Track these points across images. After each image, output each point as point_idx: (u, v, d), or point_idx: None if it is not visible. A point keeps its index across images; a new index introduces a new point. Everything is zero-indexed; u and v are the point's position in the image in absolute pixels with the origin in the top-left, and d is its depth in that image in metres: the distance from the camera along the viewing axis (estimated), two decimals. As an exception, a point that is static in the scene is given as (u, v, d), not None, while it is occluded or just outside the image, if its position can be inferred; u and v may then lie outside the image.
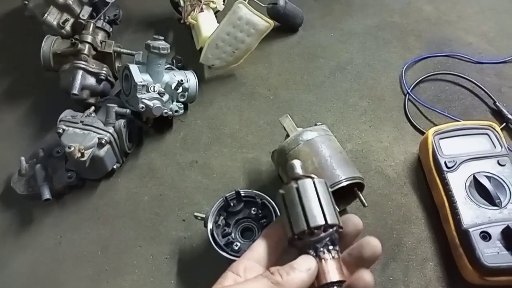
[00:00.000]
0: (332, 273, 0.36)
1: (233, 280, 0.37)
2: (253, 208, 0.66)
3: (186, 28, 0.95)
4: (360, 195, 0.64)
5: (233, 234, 0.64)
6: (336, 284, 0.36)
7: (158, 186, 0.78)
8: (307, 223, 0.36)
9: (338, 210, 0.41)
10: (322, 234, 0.36)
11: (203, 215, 0.66)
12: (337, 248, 0.37)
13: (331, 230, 0.37)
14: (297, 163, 0.40)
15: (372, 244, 0.37)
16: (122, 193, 0.78)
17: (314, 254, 0.36)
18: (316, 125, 0.70)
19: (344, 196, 0.66)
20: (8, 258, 0.73)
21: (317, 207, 0.37)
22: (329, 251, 0.36)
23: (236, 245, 0.61)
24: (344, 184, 0.60)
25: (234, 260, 0.39)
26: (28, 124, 0.89)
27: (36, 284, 0.70)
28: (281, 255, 0.39)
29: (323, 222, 0.36)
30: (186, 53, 0.93)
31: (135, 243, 0.72)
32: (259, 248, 0.39)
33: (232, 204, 0.66)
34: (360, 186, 0.64)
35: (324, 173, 0.61)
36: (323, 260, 0.36)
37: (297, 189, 0.38)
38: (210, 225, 0.63)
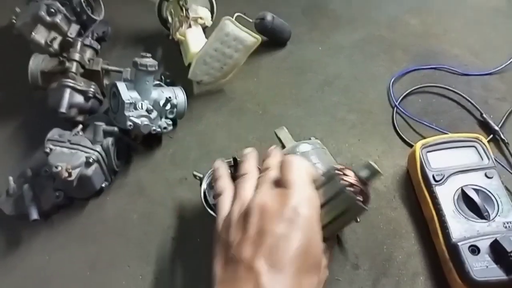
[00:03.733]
0: None
1: None
2: None
3: (175, 44, 0.96)
4: None
5: None
6: None
7: (147, 204, 0.77)
8: None
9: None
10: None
11: (201, 175, 0.71)
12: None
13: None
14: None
15: None
16: (111, 211, 0.77)
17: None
18: (310, 139, 0.71)
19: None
20: (-5, 280, 0.72)
21: None
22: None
23: None
24: None
25: None
26: (16, 143, 0.88)
27: (23, 306, 0.69)
28: None
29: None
30: (175, 69, 0.93)
31: (124, 263, 0.71)
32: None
33: (229, 171, 0.67)
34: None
35: None
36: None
37: None
38: (204, 186, 0.68)
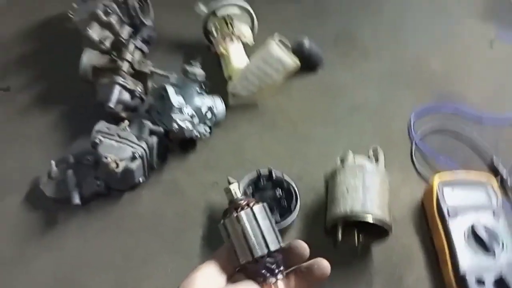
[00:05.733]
0: None
1: (202, 284, 0.38)
2: (279, 190, 0.74)
3: (213, 56, 1.01)
4: (358, 241, 0.72)
5: None
6: None
7: (181, 203, 0.83)
8: (251, 253, 0.38)
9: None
10: (267, 260, 0.38)
11: (235, 181, 0.72)
12: (282, 268, 0.39)
13: (274, 254, 0.39)
14: (234, 187, 0.41)
15: (323, 265, 0.39)
16: (146, 206, 0.83)
17: (262, 280, 0.38)
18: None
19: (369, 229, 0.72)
20: (33, 258, 0.76)
21: (259, 236, 0.38)
22: (274, 274, 0.39)
23: None
24: (370, 221, 0.68)
25: None
26: (57, 130, 0.93)
27: (58, 285, 0.74)
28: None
29: (265, 251, 0.38)
30: (211, 78, 0.98)
31: (156, 256, 0.77)
32: (208, 270, 0.39)
33: (262, 181, 0.72)
34: (383, 232, 0.71)
35: (359, 198, 0.69)
36: (276, 281, 0.38)
37: (238, 219, 0.38)
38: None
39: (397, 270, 0.74)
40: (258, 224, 0.39)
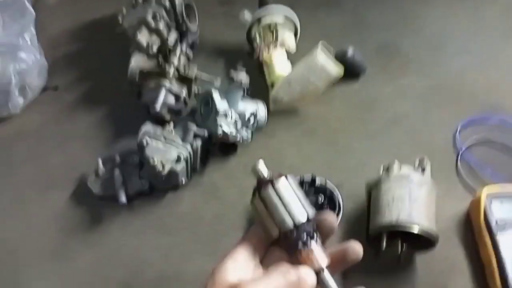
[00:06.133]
0: (321, 259, 0.38)
1: (236, 269, 0.37)
2: (321, 196, 0.75)
3: (254, 62, 1.03)
4: (401, 251, 0.71)
5: None
6: (325, 268, 0.38)
7: (220, 205, 0.84)
8: (293, 221, 0.38)
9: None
10: (306, 227, 0.39)
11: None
12: (317, 233, 0.40)
13: (312, 221, 0.39)
14: (261, 165, 0.41)
15: (356, 249, 0.39)
16: (186, 207, 0.84)
17: (302, 246, 0.38)
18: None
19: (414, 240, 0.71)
20: (76, 253, 0.79)
21: (298, 203, 0.39)
22: (314, 239, 0.39)
23: None
24: (416, 231, 0.67)
25: None
26: (102, 128, 0.96)
27: (99, 281, 0.75)
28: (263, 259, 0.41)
29: (305, 218, 0.39)
30: (252, 84, 0.99)
31: (193, 256, 0.77)
32: (254, 239, 0.40)
33: (304, 186, 0.72)
34: (428, 243, 0.70)
35: (405, 207, 0.69)
36: (311, 249, 0.38)
37: (276, 190, 0.39)
38: None
39: (441, 281, 0.73)
40: (294, 192, 0.39)
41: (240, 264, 0.38)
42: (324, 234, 0.40)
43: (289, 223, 0.38)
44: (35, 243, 0.81)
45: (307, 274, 0.38)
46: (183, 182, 0.84)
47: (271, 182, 0.40)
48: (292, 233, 0.39)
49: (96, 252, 0.79)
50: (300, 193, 0.40)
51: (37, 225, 0.83)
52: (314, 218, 0.40)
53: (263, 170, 0.40)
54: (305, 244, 0.39)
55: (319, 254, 0.39)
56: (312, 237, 0.39)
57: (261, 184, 0.40)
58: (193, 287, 0.75)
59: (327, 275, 0.39)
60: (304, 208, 0.39)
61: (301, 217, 0.39)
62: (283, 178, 0.40)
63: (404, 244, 0.72)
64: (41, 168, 0.91)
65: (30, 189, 0.88)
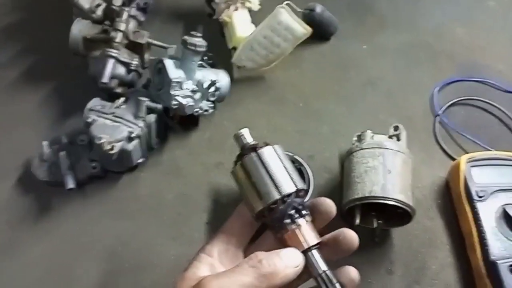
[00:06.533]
0: (309, 237, 0.35)
1: (208, 264, 0.36)
2: None
3: (216, 24, 0.93)
4: (376, 225, 0.67)
5: None
6: (314, 247, 0.35)
7: (182, 185, 0.77)
8: (279, 191, 0.35)
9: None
10: (295, 200, 0.35)
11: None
12: (308, 211, 0.36)
13: (301, 194, 0.36)
14: (246, 132, 0.38)
15: (350, 236, 0.36)
16: (145, 188, 0.77)
17: (290, 221, 0.35)
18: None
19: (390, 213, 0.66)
20: (26, 245, 0.71)
21: (284, 173, 0.35)
22: (303, 215, 0.35)
23: None
24: (391, 203, 0.62)
25: None
26: (49, 107, 0.87)
27: (53, 275, 0.68)
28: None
29: (294, 188, 0.35)
30: (215, 50, 0.91)
31: (156, 242, 0.71)
32: (232, 229, 0.38)
33: None
34: (405, 216, 0.65)
35: (379, 179, 0.63)
36: (299, 226, 0.35)
37: (260, 158, 0.35)
38: None
39: (420, 256, 0.69)
40: (282, 162, 0.36)
41: (214, 258, 0.36)
42: (319, 221, 0.37)
43: (274, 193, 0.34)
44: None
45: (288, 258, 0.34)
46: (140, 162, 0.77)
47: (255, 149, 0.36)
48: (278, 205, 0.35)
49: (48, 242, 0.71)
50: (289, 165, 0.36)
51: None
52: (303, 195, 0.36)
53: (247, 136, 0.38)
54: (292, 219, 0.35)
55: (307, 231, 0.35)
56: (301, 215, 0.35)
57: (244, 151, 0.37)
58: (157, 275, 0.70)
59: (315, 254, 0.35)
60: (292, 180, 0.35)
61: (288, 188, 0.35)
62: (268, 146, 0.36)
63: (379, 219, 0.67)
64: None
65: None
